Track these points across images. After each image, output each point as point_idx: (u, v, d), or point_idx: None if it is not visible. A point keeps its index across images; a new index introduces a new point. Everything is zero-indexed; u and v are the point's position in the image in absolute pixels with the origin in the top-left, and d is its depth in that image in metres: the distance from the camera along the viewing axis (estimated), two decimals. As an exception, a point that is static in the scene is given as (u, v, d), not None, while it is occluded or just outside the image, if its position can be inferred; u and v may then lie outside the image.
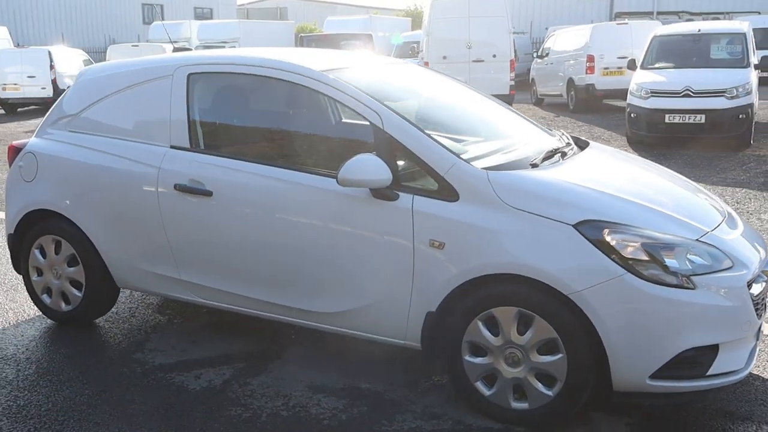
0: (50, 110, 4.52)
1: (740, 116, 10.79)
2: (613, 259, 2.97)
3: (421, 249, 3.26)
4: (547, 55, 18.54)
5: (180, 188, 3.81)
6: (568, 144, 3.94)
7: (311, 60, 3.83)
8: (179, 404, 3.48)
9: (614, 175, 3.67)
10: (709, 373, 3.04)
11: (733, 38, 12.15)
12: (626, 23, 16.50)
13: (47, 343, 4.24)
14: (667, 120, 11.01)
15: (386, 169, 3.26)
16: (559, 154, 3.66)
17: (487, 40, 15.34)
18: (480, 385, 3.29)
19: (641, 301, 2.94)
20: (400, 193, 3.32)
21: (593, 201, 3.18)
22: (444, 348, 3.34)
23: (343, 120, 4.42)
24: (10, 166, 4.58)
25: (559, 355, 3.08)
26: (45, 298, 4.49)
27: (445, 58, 15.44)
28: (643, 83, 11.42)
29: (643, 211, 3.19)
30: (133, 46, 20.27)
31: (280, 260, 3.63)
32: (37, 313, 4.68)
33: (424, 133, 3.39)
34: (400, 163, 3.39)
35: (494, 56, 15.39)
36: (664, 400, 3.11)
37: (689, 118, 10.93)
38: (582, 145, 4.08)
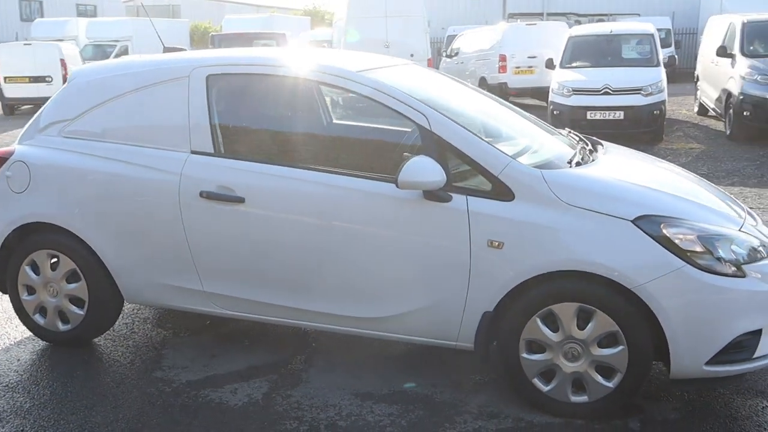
0: (37, 115, 4.20)
1: (655, 112, 11.45)
2: (672, 252, 3.09)
3: (478, 249, 3.27)
4: (456, 54, 18.93)
5: (207, 195, 3.63)
6: (591, 143, 4.06)
7: (343, 61, 3.75)
8: (230, 421, 3.33)
9: (648, 172, 3.82)
10: (755, 355, 3.22)
11: (642, 39, 12.89)
12: (535, 24, 17.13)
13: (51, 367, 3.94)
14: (588, 117, 11.51)
15: (441, 171, 3.25)
16: (592, 154, 3.77)
17: (405, 40, 15.47)
18: (537, 381, 3.34)
19: (699, 291, 3.08)
20: (453, 195, 3.31)
21: (646, 197, 3.30)
22: (500, 347, 3.37)
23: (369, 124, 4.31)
24: (-11, 180, 4.20)
25: (620, 347, 3.18)
26: (38, 318, 4.17)
27: (363, 57, 15.45)
28: (564, 82, 11.88)
29: (689, 205, 3.35)
30: (25, 44, 19.00)
31: (322, 266, 3.54)
32: (23, 335, 4.33)
33: (473, 133, 3.40)
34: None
35: (412, 56, 15.50)
36: (716, 385, 3.27)
37: (609, 115, 11.48)
38: (594, 143, 4.21)
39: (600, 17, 31.57)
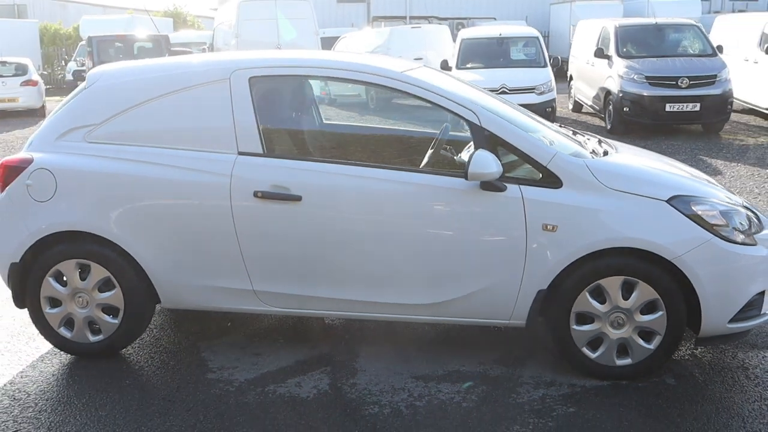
0: (51, 121, 4.04)
1: (547, 109, 12.36)
2: (701, 227, 3.56)
3: (534, 233, 3.59)
4: (339, 56, 19.20)
5: (262, 195, 3.70)
6: (589, 137, 4.48)
7: (384, 62, 3.94)
8: (311, 412, 3.44)
9: (656, 161, 4.30)
10: (762, 311, 3.77)
11: (528, 41, 13.82)
12: (419, 27, 17.75)
13: (94, 380, 3.82)
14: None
15: (499, 162, 3.54)
16: (611, 147, 4.19)
17: (296, 42, 15.59)
18: (586, 350, 3.72)
19: (725, 259, 3.58)
20: (506, 184, 3.61)
21: (672, 180, 3.78)
22: (551, 321, 3.71)
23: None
24: (2, 189, 3.99)
25: (660, 313, 3.62)
26: (63, 331, 4.02)
27: (255, 60, 15.39)
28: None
29: (703, 185, 3.86)
30: None
31: (381, 258, 3.72)
32: (44, 351, 4.15)
33: (520, 127, 3.72)
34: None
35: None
36: (733, 340, 3.80)
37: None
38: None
39: (459, 21, 33.04)
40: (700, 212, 3.60)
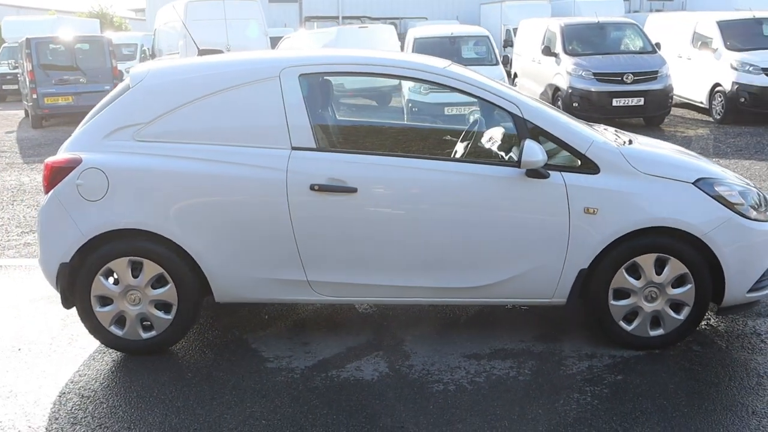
0: (95, 121, 4.05)
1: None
2: (724, 206, 3.92)
3: (576, 216, 3.87)
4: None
5: (319, 188, 3.84)
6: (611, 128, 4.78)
7: (425, 60, 4.14)
8: (382, 392, 3.61)
9: (671, 148, 4.64)
10: (770, 282, 4.18)
11: (479, 40, 14.23)
12: (366, 27, 17.92)
13: (151, 374, 3.87)
14: (446, 112, 12.53)
15: (544, 151, 3.80)
16: (629, 137, 4.51)
17: (246, 44, 15.50)
18: (623, 323, 4.02)
19: (745, 234, 3.95)
20: (549, 172, 3.88)
21: (695, 164, 4.13)
22: (591, 298, 3.99)
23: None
24: (48, 189, 3.99)
25: (689, 286, 3.96)
26: (114, 329, 4.05)
27: (204, 60, 15.26)
28: (421, 80, 12.80)
29: (717, 169, 4.22)
30: None
31: (434, 245, 3.92)
32: (91, 350, 4.17)
33: (559, 118, 3.99)
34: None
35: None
36: (748, 308, 4.18)
37: (464, 110, 12.59)
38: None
39: (392, 20, 33.40)
40: (722, 192, 3.95)
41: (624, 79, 12.67)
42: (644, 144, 4.37)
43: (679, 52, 14.52)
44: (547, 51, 13.80)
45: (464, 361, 3.95)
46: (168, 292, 4.00)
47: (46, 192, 4.03)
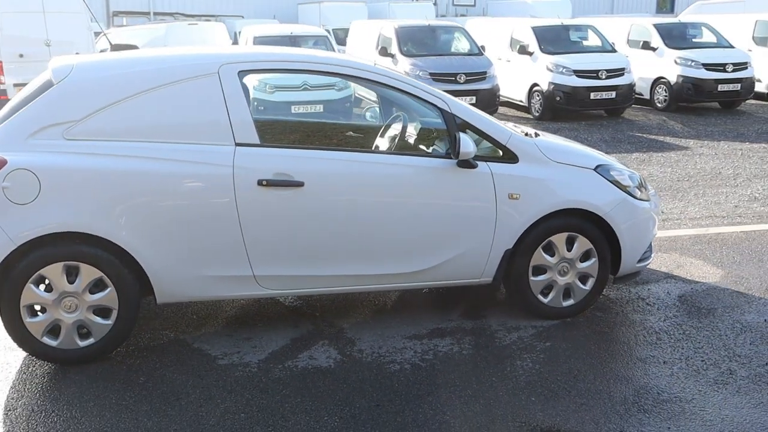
0: (16, 119, 3.79)
1: (346, 104, 13.14)
2: (618, 188, 4.51)
3: (502, 202, 4.26)
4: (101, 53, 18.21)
5: (267, 183, 3.89)
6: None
7: (357, 57, 4.31)
8: (343, 378, 3.76)
9: (566, 140, 5.17)
10: (652, 253, 4.85)
11: (318, 40, 14.47)
12: (196, 24, 17.45)
13: (99, 382, 3.71)
14: (293, 110, 12.67)
15: (474, 143, 4.15)
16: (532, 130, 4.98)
17: (67, 38, 14.57)
18: (540, 297, 4.48)
19: (635, 212, 4.57)
20: (477, 162, 4.23)
21: (591, 153, 4.68)
22: (514, 275, 4.41)
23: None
24: (-38, 192, 3.67)
25: (593, 260, 4.50)
26: (47, 339, 3.82)
27: (21, 56, 14.13)
28: (267, 79, 12.82)
29: (607, 157, 4.81)
30: None
31: (376, 234, 4.12)
32: (18, 363, 3.89)
33: (480, 113, 4.35)
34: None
35: (77, 54, 14.73)
36: (635, 277, 4.82)
37: (311, 108, 12.81)
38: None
39: (207, 18, 32.64)
40: (617, 177, 4.54)
41: (457, 79, 13.51)
42: (550, 137, 4.88)
43: (498, 55, 15.70)
44: (384, 52, 14.34)
45: (408, 342, 4.20)
46: (108, 296, 3.85)
47: (-38, 197, 3.70)
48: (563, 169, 4.40)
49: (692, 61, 14.87)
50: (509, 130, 4.39)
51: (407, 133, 4.51)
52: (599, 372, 3.84)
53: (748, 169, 9.67)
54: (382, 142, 4.55)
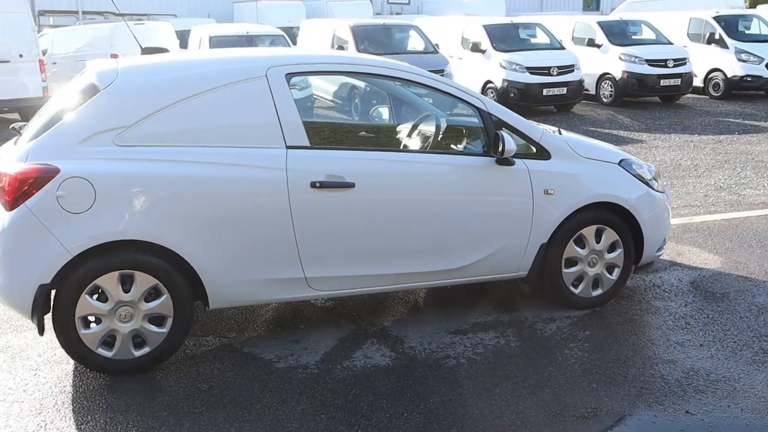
0: (64, 126, 3.68)
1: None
2: (641, 181, 4.72)
3: (538, 197, 4.40)
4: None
5: (320, 185, 3.91)
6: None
7: (393, 61, 4.37)
8: (408, 372, 3.82)
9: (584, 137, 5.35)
10: (665, 243, 5.09)
11: (274, 39, 14.36)
12: (143, 23, 17.01)
13: (178, 391, 3.66)
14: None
15: (514, 141, 4.28)
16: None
17: (9, 39, 14.02)
18: (571, 287, 4.65)
19: (655, 204, 4.79)
20: (514, 159, 4.36)
21: (613, 149, 4.87)
22: (548, 268, 4.55)
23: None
24: (13, 204, 3.55)
25: (619, 251, 4.70)
26: (102, 351, 3.74)
27: (-38, 57, 13.54)
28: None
29: (625, 152, 5.02)
30: None
31: (423, 232, 4.19)
32: (72, 377, 3.79)
33: (512, 112, 4.48)
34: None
35: (21, 56, 14.20)
36: (652, 266, 5.05)
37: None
38: None
39: (139, 17, 31.82)
40: (638, 171, 4.75)
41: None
42: (572, 133, 5.05)
43: (450, 53, 15.94)
44: (340, 50, 14.36)
45: (454, 337, 4.29)
46: (163, 303, 3.79)
47: (10, 207, 3.58)
48: (592, 164, 4.58)
49: (636, 57, 15.47)
50: (541, 128, 4.53)
51: (442, 133, 4.59)
52: (645, 357, 4.02)
53: (705, 160, 10.18)
54: (417, 142, 4.62)
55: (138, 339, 3.81)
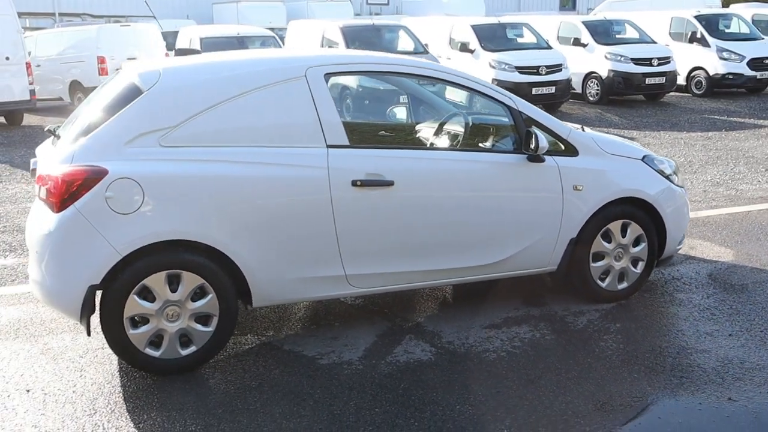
0: (107, 126, 3.69)
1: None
2: (663, 176, 4.83)
3: (568, 193, 4.49)
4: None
5: (361, 183, 3.96)
6: None
7: (429, 61, 4.43)
8: (452, 366, 3.89)
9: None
10: (684, 237, 5.22)
11: (265, 40, 14.35)
12: (129, 25, 16.89)
13: (229, 387, 3.68)
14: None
15: (546, 139, 4.36)
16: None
17: (-7, 41, 13.88)
18: (599, 281, 4.75)
19: (676, 198, 4.91)
20: (545, 156, 4.45)
21: (634, 145, 4.98)
22: (576, 262, 4.65)
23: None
24: (61, 206, 3.55)
25: (643, 245, 4.81)
26: (150, 351, 3.75)
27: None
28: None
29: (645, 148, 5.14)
30: None
31: (459, 228, 4.26)
32: (116, 375, 3.79)
33: (540, 110, 4.57)
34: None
35: (7, 59, 14.05)
36: (672, 260, 5.17)
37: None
38: None
39: (117, 18, 31.54)
40: (659, 166, 4.86)
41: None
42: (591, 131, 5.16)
43: (438, 53, 16.04)
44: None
45: (489, 332, 4.36)
46: (209, 302, 3.81)
47: (58, 209, 3.58)
48: (617, 160, 4.68)
49: (621, 56, 15.71)
50: (568, 126, 4.63)
51: (473, 131, 4.66)
52: (678, 347, 4.13)
53: (697, 156, 10.38)
54: (448, 140, 4.68)
55: (184, 338, 3.83)
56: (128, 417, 3.43)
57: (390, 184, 4.04)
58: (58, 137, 4.09)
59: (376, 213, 4.05)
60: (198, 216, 3.71)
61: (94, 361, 4.01)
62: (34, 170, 4.19)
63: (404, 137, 4.56)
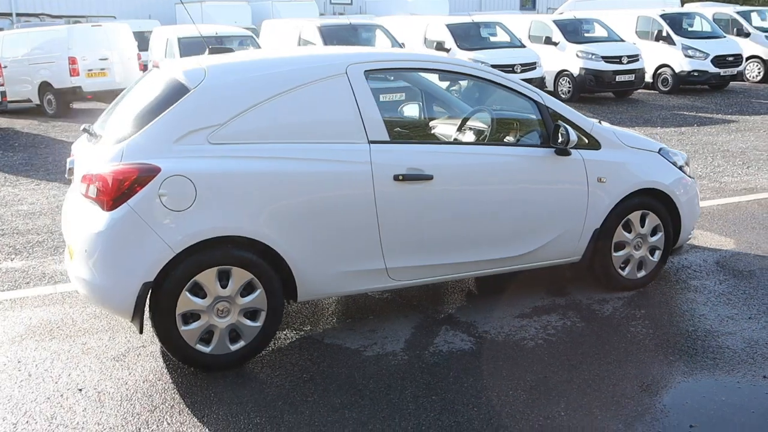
0: (156, 123, 3.70)
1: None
2: (677, 167, 5.02)
3: (592, 185, 4.64)
4: (-9, 58, 16.92)
5: (402, 178, 4.04)
6: None
7: (464, 59, 4.52)
8: (495, 354, 3.99)
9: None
10: (695, 227, 5.42)
11: (243, 40, 14.29)
12: (100, 25, 16.60)
13: (284, 382, 3.72)
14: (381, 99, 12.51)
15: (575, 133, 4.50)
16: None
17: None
18: (620, 270, 4.91)
19: (689, 189, 5.10)
20: (570, 149, 4.59)
21: (649, 138, 5.15)
22: (599, 252, 4.80)
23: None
24: (112, 204, 3.55)
25: (661, 234, 4.99)
26: (201, 347, 3.77)
27: None
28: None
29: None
30: None
31: (495, 221, 4.38)
32: (163, 371, 3.80)
33: (564, 105, 4.71)
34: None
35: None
36: (683, 248, 5.37)
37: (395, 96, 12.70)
38: None
39: (76, 19, 30.97)
40: (674, 158, 5.05)
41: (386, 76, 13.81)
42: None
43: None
44: (309, 50, 14.39)
45: (521, 321, 4.48)
46: (257, 298, 3.85)
47: (110, 207, 3.58)
48: (636, 153, 4.85)
49: (592, 54, 16.06)
50: (591, 120, 4.78)
51: (502, 125, 4.78)
52: (705, 331, 4.30)
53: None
54: (474, 135, 4.79)
55: (233, 333, 3.85)
56: (189, 412, 3.45)
57: (429, 178, 4.13)
58: (95, 135, 4.08)
59: (415, 207, 4.14)
60: (249, 212, 3.75)
61: (139, 359, 4.01)
62: (71, 169, 4.17)
63: (440, 132, 4.67)
